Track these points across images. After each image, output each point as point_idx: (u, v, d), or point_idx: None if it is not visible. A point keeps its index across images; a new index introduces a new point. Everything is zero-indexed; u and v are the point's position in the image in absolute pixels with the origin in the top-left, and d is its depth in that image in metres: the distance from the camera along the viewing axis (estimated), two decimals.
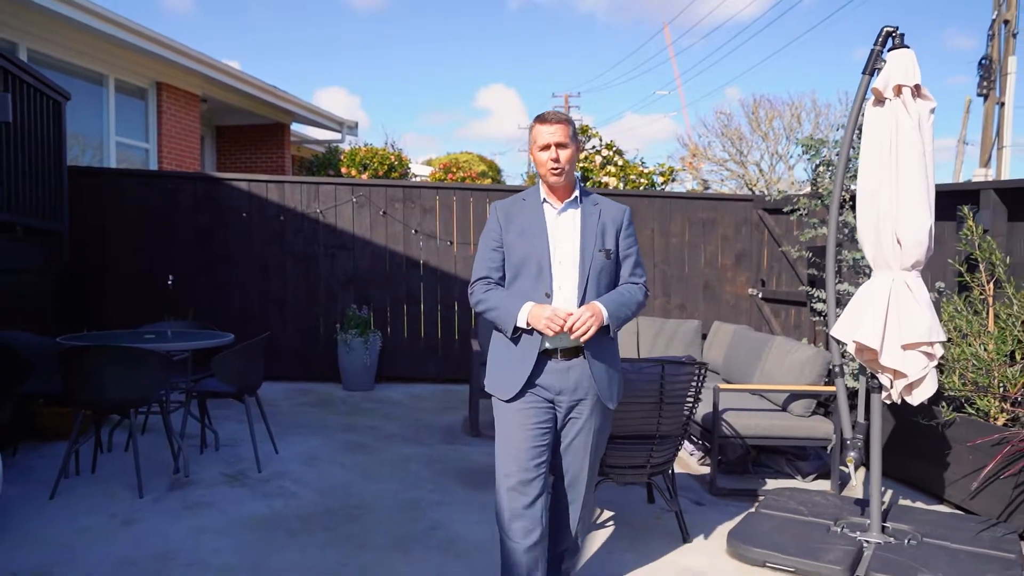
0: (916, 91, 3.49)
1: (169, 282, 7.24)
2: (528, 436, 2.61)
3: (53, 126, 5.57)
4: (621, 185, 11.18)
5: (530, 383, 2.62)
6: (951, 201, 4.76)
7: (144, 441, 4.91)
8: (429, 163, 21.24)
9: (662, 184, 11.38)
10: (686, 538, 3.71)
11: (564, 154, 2.60)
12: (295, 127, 14.74)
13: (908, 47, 3.56)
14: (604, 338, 2.61)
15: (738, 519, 3.95)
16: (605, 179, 11.17)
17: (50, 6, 7.51)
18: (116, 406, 4.15)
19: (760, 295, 7.68)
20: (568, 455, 2.75)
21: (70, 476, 4.28)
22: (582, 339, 2.49)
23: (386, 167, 13.30)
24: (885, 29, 3.63)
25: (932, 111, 3.55)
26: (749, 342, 5.57)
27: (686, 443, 5.35)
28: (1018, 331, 4.15)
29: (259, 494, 4.18)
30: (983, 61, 12.19)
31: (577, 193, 2.71)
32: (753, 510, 4.02)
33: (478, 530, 3.75)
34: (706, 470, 4.90)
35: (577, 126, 13.53)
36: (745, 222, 8.00)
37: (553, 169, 2.60)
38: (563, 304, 2.58)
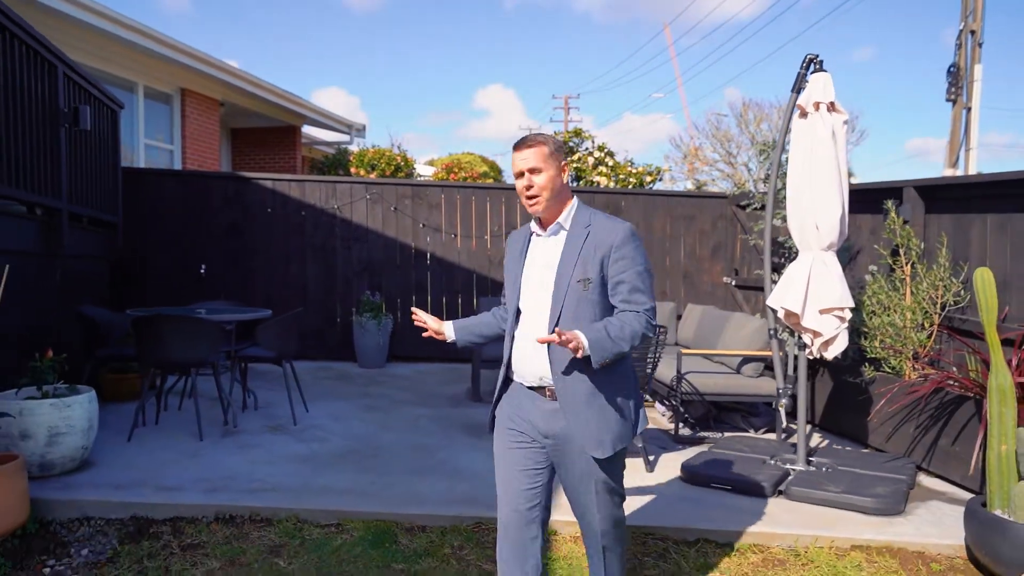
0: (831, 107, 4.33)
1: (201, 270, 8.09)
2: (513, 472, 2.49)
3: (111, 132, 6.42)
4: (612, 183, 12.01)
5: (505, 415, 2.53)
6: (880, 197, 5.60)
7: (195, 402, 5.77)
8: (432, 163, 22.05)
9: (649, 183, 12.22)
10: (650, 469, 4.56)
11: (539, 179, 2.40)
12: (305, 129, 15.60)
13: (826, 71, 4.41)
14: (585, 374, 2.35)
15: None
16: (597, 178, 12.01)
17: (91, 21, 8.31)
18: (179, 365, 5.01)
19: (733, 282, 8.52)
20: (569, 494, 2.57)
21: (138, 427, 5.12)
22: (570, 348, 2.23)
23: (393, 167, 14.15)
24: (808, 56, 4.48)
25: (845, 122, 4.40)
26: (714, 319, 6.42)
27: (657, 404, 6.21)
28: (927, 304, 5.00)
29: (297, 439, 5.04)
30: (951, 68, 13.04)
31: (565, 217, 2.47)
32: (706, 450, 4.87)
33: (478, 464, 4.60)
34: (672, 425, 5.75)
35: (571, 129, 14.25)
36: (721, 217, 8.85)
37: (528, 199, 2.43)
38: (537, 334, 2.37)
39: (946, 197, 5.25)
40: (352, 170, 13.94)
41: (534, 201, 2.43)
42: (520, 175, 2.44)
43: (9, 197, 4.45)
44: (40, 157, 4.84)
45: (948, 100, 13.13)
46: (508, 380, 2.55)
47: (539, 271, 2.47)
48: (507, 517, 2.50)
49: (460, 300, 8.59)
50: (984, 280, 3.39)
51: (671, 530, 3.68)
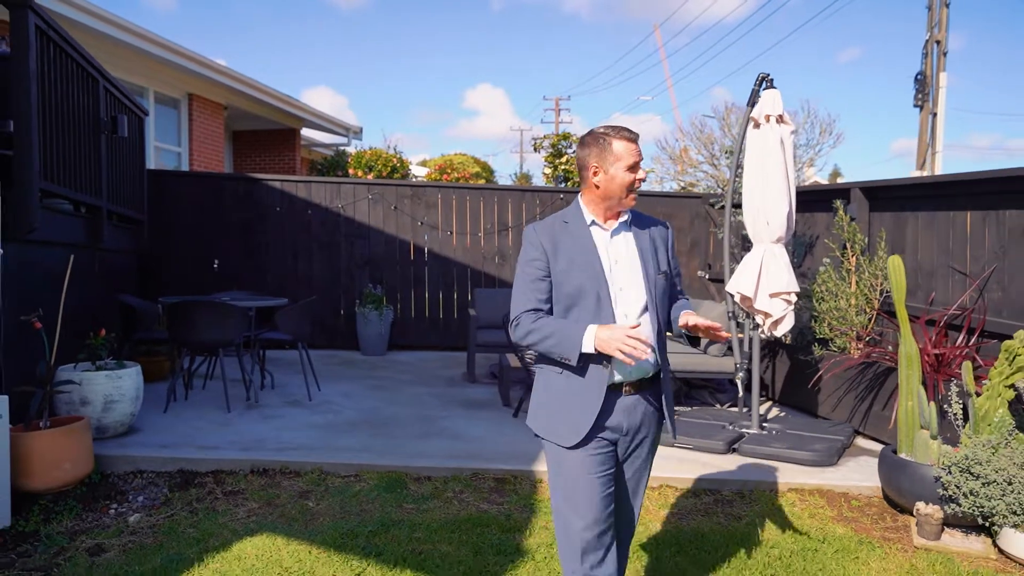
0: (779, 119, 5.01)
1: (215, 265, 8.70)
2: (598, 485, 2.34)
3: (138, 137, 7.05)
4: None
5: (598, 425, 2.33)
6: (831, 197, 6.28)
7: (216, 384, 6.40)
8: (424, 164, 22.72)
9: None
10: None
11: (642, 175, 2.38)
12: (304, 131, 16.21)
13: (775, 88, 5.09)
14: (667, 362, 2.47)
15: None
16: None
17: (104, 29, 8.85)
18: (208, 346, 5.64)
19: (707, 276, 9.21)
20: (630, 489, 2.53)
21: (170, 402, 5.75)
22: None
23: (389, 168, 14.78)
24: (760, 75, 5.16)
25: (793, 132, 5.08)
26: None
27: None
28: (868, 291, 5.69)
29: (314, 411, 5.68)
30: (918, 76, 13.79)
31: (629, 215, 2.45)
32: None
33: (476, 430, 5.26)
34: None
35: (560, 132, 14.88)
36: (697, 216, 9.54)
37: (633, 192, 2.39)
38: (642, 326, 2.32)
39: (886, 197, 5.94)
40: (350, 171, 14.57)
41: (635, 195, 2.40)
42: (635, 167, 2.36)
43: (62, 196, 5.07)
44: (85, 161, 5.46)
45: (916, 106, 13.88)
46: (597, 381, 2.33)
47: (620, 266, 2.38)
48: (589, 530, 2.33)
49: (455, 293, 9.24)
50: (895, 266, 4.08)
51: None
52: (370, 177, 14.29)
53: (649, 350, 2.16)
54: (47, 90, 4.61)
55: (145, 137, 7.30)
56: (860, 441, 5.23)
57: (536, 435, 2.44)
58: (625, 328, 2.16)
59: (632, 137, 2.37)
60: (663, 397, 2.43)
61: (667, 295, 2.45)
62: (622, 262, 2.39)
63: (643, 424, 2.41)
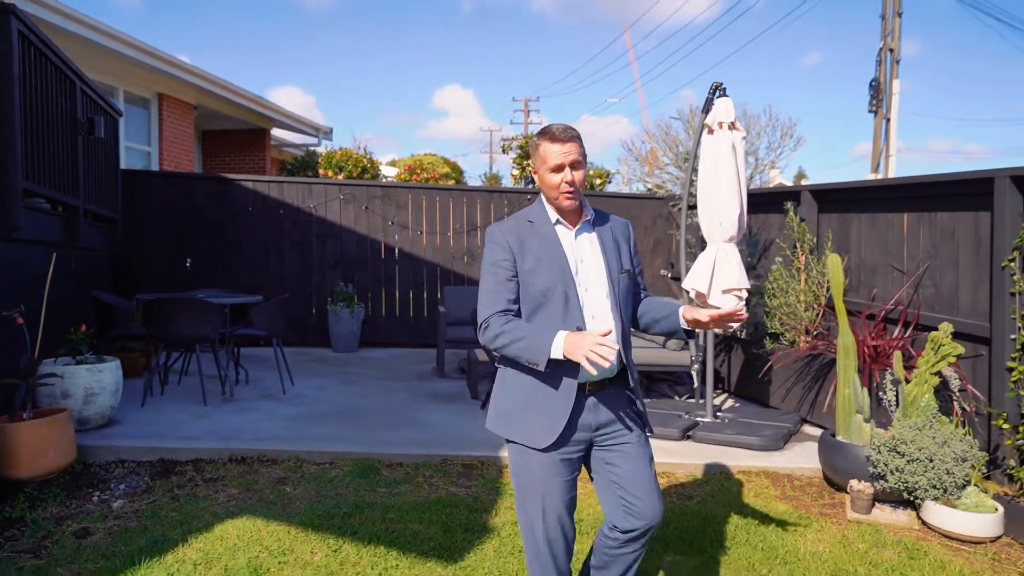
0: (732, 126, 5.33)
1: (187, 264, 8.82)
2: (563, 488, 2.37)
3: (112, 137, 7.16)
4: None
5: (571, 427, 2.34)
6: (784, 199, 6.64)
7: (190, 379, 6.55)
8: (394, 164, 22.86)
9: (599, 185, 13.22)
10: None
11: (579, 174, 2.35)
12: (274, 132, 16.27)
13: (728, 96, 5.40)
14: (632, 359, 2.48)
15: None
16: None
17: (74, 29, 8.88)
18: (186, 342, 5.80)
19: (670, 275, 9.55)
20: (634, 485, 2.40)
21: (147, 397, 5.89)
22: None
23: (359, 169, 14.94)
24: (714, 84, 5.48)
25: (743, 138, 5.40)
26: None
27: None
28: (816, 288, 6.04)
29: (289, 404, 5.88)
30: (872, 83, 14.34)
31: (588, 211, 2.46)
32: None
33: (445, 420, 5.51)
34: None
35: (528, 134, 15.16)
36: (659, 216, 9.88)
37: (567, 193, 2.35)
38: (606, 325, 2.36)
39: (833, 200, 6.30)
40: (320, 171, 14.69)
41: (572, 195, 2.36)
42: (560, 169, 2.34)
43: (42, 195, 5.20)
44: (63, 161, 5.59)
45: (870, 111, 14.43)
46: (567, 384, 2.33)
47: (584, 266, 2.39)
48: (552, 530, 2.39)
49: (425, 291, 9.46)
50: (833, 264, 4.42)
51: None
52: (340, 177, 14.43)
53: (614, 354, 2.10)
54: (28, 93, 4.75)
55: (119, 137, 7.41)
56: (806, 428, 5.57)
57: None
58: (594, 334, 2.12)
59: (558, 138, 2.34)
60: (629, 393, 2.44)
61: (631, 293, 2.47)
62: (587, 261, 2.40)
63: (615, 420, 2.40)
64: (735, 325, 2.38)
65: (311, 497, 4.11)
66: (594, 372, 2.14)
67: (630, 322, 2.50)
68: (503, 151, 14.08)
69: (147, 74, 11.18)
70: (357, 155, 15.28)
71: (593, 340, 2.09)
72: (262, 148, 15.55)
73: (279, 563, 3.36)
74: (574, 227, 2.44)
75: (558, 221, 2.43)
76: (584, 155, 2.39)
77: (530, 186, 13.26)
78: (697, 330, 2.38)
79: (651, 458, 2.46)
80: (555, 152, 2.33)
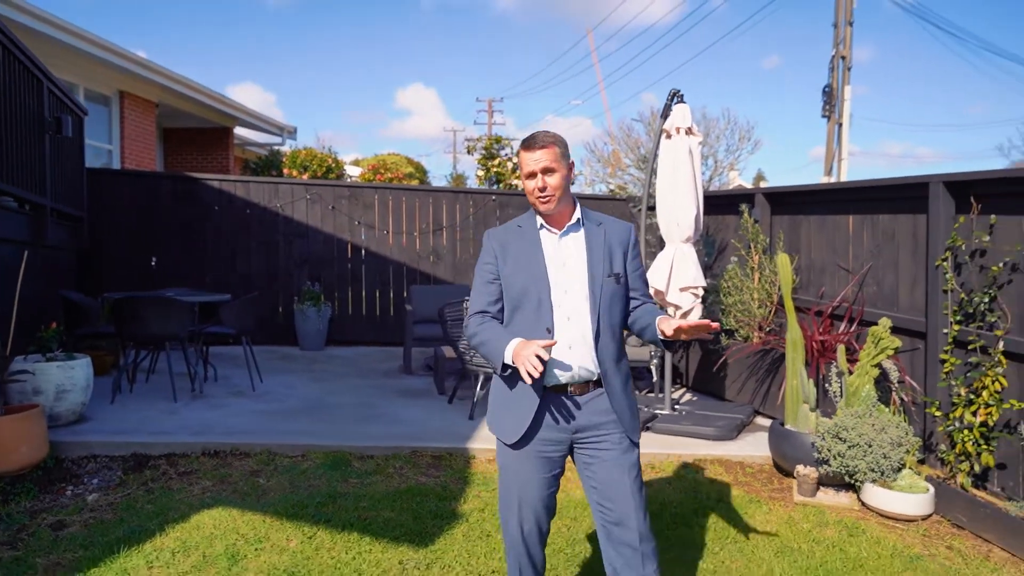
0: (688, 131, 5.59)
1: (153, 263, 8.82)
2: (540, 486, 2.45)
3: (77, 136, 7.16)
4: None
5: (536, 425, 2.41)
6: (738, 201, 6.93)
7: (157, 377, 6.60)
8: (357, 163, 22.87)
9: None
10: None
11: (552, 180, 2.40)
12: (238, 130, 16.20)
13: (685, 103, 5.66)
14: (620, 365, 2.47)
15: None
16: (516, 182, 13.18)
17: (33, 25, 8.83)
18: (154, 340, 5.86)
19: None
20: (610, 491, 2.41)
21: (116, 394, 5.93)
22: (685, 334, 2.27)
23: (324, 168, 14.97)
24: (672, 90, 5.73)
25: (700, 143, 5.66)
26: None
27: None
28: (769, 287, 6.34)
29: (259, 400, 5.98)
30: (826, 89, 14.85)
31: (579, 215, 2.50)
32: None
33: (413, 415, 5.67)
34: None
35: (492, 135, 15.36)
36: (622, 217, 10.13)
37: (541, 198, 2.42)
38: (578, 336, 2.40)
39: (785, 202, 6.60)
40: (285, 171, 14.68)
41: (547, 200, 2.42)
42: (532, 175, 2.42)
43: (8, 193, 5.23)
44: (31, 160, 5.61)
45: (823, 116, 14.94)
46: (531, 386, 2.38)
47: (567, 269, 2.44)
48: (526, 524, 2.48)
49: (392, 290, 9.59)
50: (782, 263, 4.69)
51: None
52: (305, 177, 14.46)
53: (541, 367, 2.16)
54: None
55: (83, 136, 7.41)
56: (759, 419, 5.86)
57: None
58: (536, 344, 2.20)
59: (530, 146, 2.42)
60: (611, 397, 2.41)
61: (619, 297, 2.46)
62: (570, 264, 2.44)
63: (597, 424, 2.42)
64: (709, 336, 2.51)
65: (285, 488, 4.24)
66: (529, 381, 2.21)
67: (619, 326, 2.49)
68: (468, 151, 14.24)
69: (108, 71, 11.10)
70: (322, 155, 15.31)
71: (533, 350, 2.19)
72: (225, 147, 15.48)
73: (256, 549, 3.49)
74: (560, 230, 2.49)
75: (542, 226, 2.50)
76: (561, 159, 2.42)
77: (495, 187, 13.45)
78: (675, 341, 2.36)
79: (633, 465, 2.44)
80: (527, 160, 2.42)
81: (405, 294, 9.46)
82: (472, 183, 29.16)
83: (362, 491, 4.21)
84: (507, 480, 2.50)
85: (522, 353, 2.21)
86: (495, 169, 13.24)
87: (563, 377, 2.41)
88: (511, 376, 2.41)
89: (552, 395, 2.42)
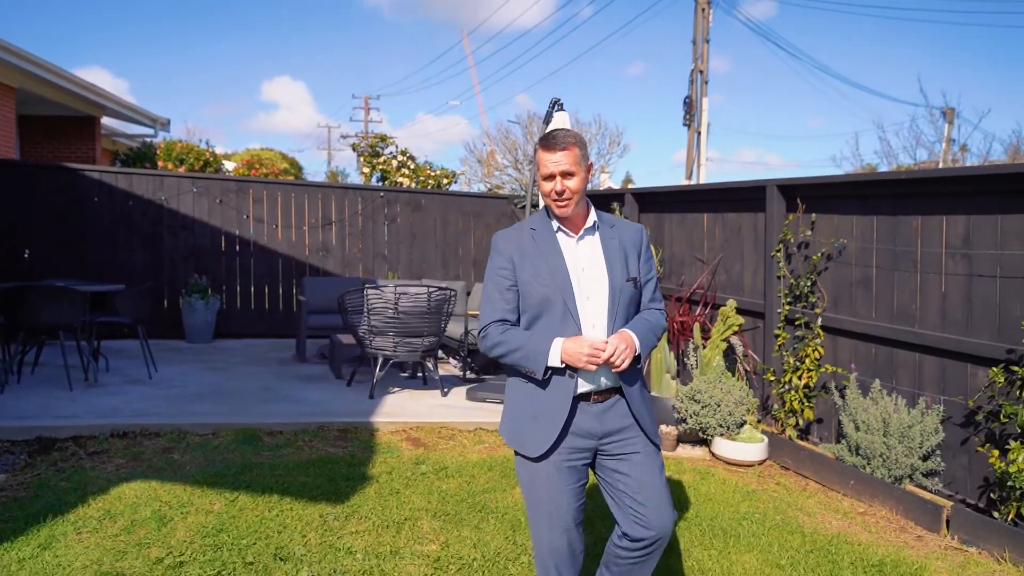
0: None
1: (25, 255, 8.55)
2: (570, 498, 2.35)
3: None
4: (414, 184, 13.62)
5: (564, 434, 2.33)
6: (611, 200, 7.70)
7: (46, 371, 6.54)
8: (230, 158, 22.32)
9: (446, 184, 13.97)
10: (444, 394, 6.21)
11: (571, 183, 2.30)
12: (106, 120, 15.52)
13: (565, 110, 6.31)
14: (635, 369, 2.38)
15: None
16: (401, 179, 13.54)
17: None
18: (47, 329, 5.85)
19: None
20: (642, 495, 2.36)
21: (5, 386, 5.86)
22: (620, 369, 2.24)
23: (202, 162, 14.68)
24: (553, 99, 6.37)
25: None
26: None
27: (451, 359, 7.91)
28: None
29: (158, 387, 6.10)
30: (686, 100, 16.19)
31: (595, 218, 2.42)
32: (483, 383, 6.62)
33: (314, 396, 6.00)
34: (462, 372, 7.47)
35: (377, 133, 15.54)
36: (503, 214, 10.78)
37: (558, 202, 2.32)
38: (600, 335, 2.31)
39: (652, 201, 7.44)
40: (160, 163, 14.28)
41: (565, 204, 2.32)
42: (551, 177, 2.31)
43: None
44: None
45: (684, 124, 16.27)
46: (563, 392, 2.32)
47: (587, 274, 2.36)
48: (558, 540, 2.37)
49: (281, 284, 9.73)
50: None
51: (459, 423, 5.37)
52: (182, 170, 14.12)
53: (600, 360, 2.19)
54: None
55: None
56: None
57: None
58: (591, 340, 2.20)
59: (550, 146, 2.31)
60: (631, 402, 2.36)
61: (635, 302, 2.41)
62: (588, 270, 2.36)
63: (622, 428, 2.37)
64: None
65: (200, 462, 4.50)
66: (592, 369, 2.23)
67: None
68: (354, 150, 14.43)
69: None
70: (199, 148, 15.00)
71: (589, 345, 2.20)
72: (91, 137, 14.81)
73: (182, 513, 3.77)
74: (576, 234, 2.41)
75: (559, 229, 2.41)
76: (580, 162, 2.32)
77: (382, 183, 13.74)
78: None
79: (661, 468, 2.43)
80: (545, 160, 2.31)
81: (295, 287, 9.64)
82: (353, 179, 29.02)
83: (276, 462, 4.55)
84: (535, 496, 2.38)
85: (577, 350, 2.20)
86: (381, 167, 13.52)
87: (589, 385, 2.34)
88: (546, 382, 2.31)
89: (579, 402, 2.35)
